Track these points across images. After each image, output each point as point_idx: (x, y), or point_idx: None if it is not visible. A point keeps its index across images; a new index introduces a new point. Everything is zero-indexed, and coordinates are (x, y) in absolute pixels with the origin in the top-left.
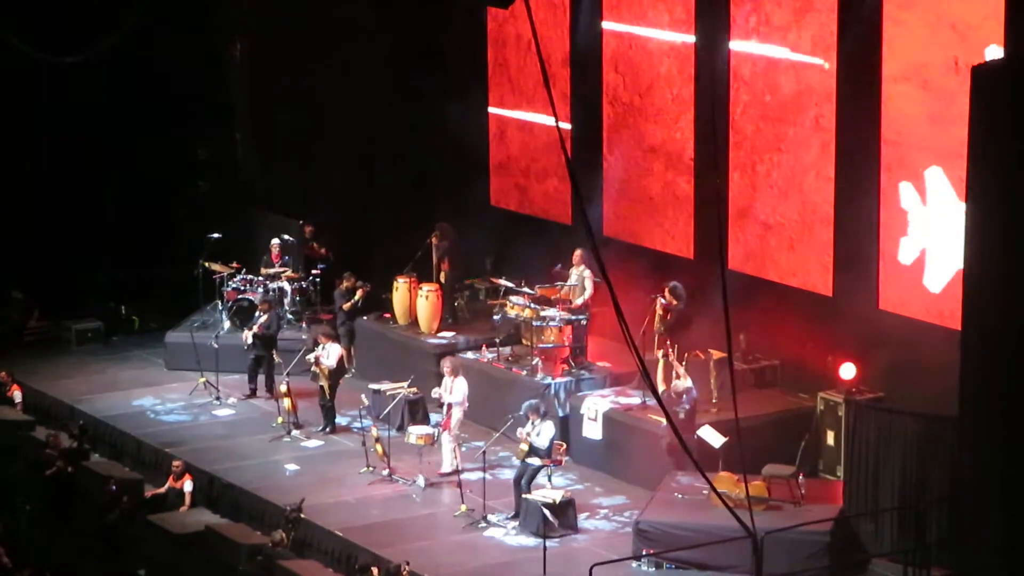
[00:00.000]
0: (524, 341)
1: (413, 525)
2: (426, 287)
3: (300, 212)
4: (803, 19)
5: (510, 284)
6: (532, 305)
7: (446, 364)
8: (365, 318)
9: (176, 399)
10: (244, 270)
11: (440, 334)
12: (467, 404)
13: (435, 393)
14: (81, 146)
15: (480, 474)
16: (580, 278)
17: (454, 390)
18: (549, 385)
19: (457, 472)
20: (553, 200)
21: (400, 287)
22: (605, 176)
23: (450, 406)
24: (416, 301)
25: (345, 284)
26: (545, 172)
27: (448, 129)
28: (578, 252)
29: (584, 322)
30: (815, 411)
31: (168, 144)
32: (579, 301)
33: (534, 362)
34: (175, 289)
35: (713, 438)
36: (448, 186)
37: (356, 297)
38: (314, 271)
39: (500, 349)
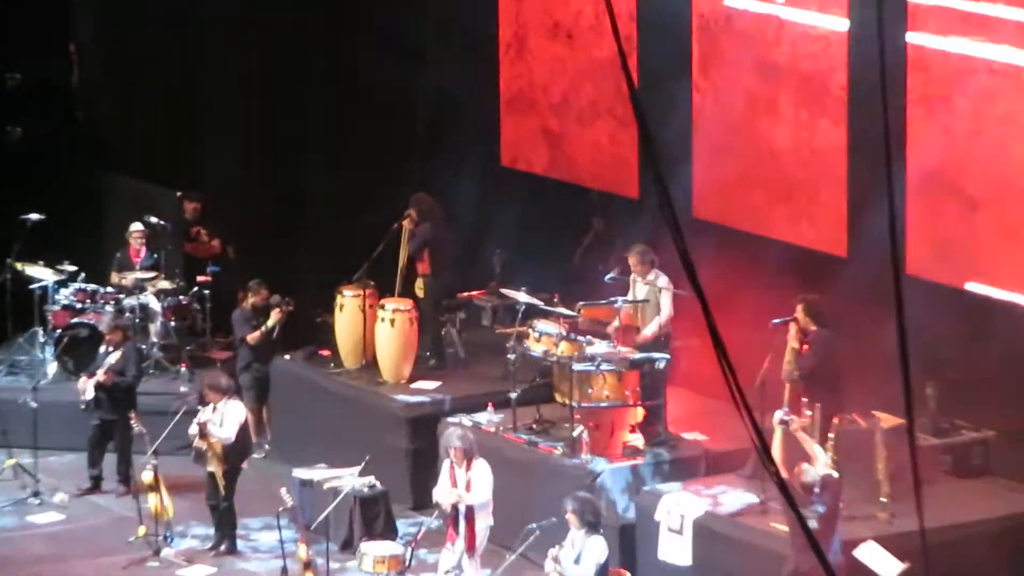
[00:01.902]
0: (559, 397)
1: None
2: (391, 304)
3: (178, 179)
4: None
5: (534, 300)
6: (572, 336)
7: (455, 443)
8: (287, 357)
9: None
10: (83, 276)
11: (415, 384)
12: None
13: (438, 496)
14: None
15: None
16: (651, 291)
17: (475, 485)
18: (601, 473)
19: None
20: (607, 158)
21: (347, 304)
22: (695, 120)
23: (470, 511)
24: (374, 328)
25: (252, 300)
26: (592, 110)
27: (427, 39)
28: (643, 248)
29: (661, 365)
30: None
31: None
32: (651, 330)
33: (576, 433)
34: None
35: (882, 563)
36: (430, 134)
37: (271, 322)
38: (201, 277)
39: (517, 410)
